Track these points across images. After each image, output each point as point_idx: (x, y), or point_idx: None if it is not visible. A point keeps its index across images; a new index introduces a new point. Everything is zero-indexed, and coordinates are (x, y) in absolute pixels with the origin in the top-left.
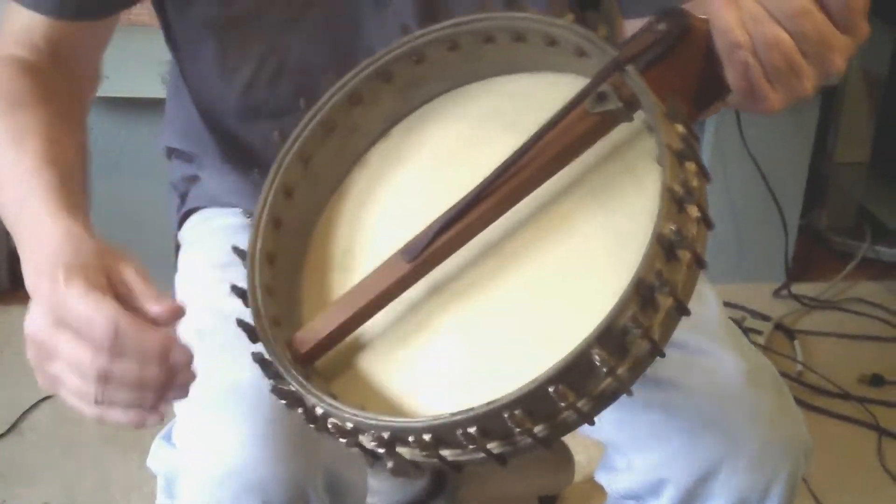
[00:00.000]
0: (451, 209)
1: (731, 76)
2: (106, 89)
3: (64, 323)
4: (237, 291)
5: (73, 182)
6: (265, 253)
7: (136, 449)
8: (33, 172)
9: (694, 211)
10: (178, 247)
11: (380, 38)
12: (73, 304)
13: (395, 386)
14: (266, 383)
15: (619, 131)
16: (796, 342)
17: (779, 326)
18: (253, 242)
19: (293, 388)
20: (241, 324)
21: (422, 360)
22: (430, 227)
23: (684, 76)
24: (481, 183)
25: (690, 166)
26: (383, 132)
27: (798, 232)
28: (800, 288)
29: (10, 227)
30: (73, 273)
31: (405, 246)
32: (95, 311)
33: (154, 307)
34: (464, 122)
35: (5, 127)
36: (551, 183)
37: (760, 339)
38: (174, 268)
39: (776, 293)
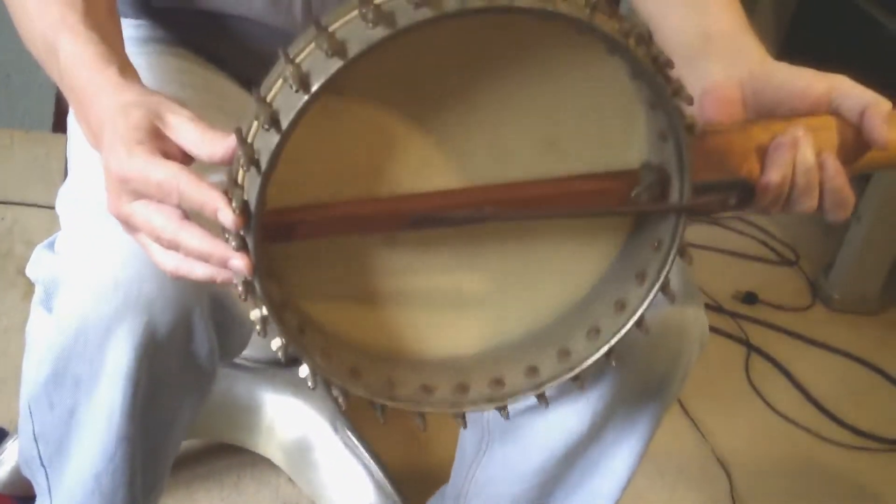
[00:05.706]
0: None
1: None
2: None
3: (133, 193)
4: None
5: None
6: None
7: (17, 285)
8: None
9: None
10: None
11: None
12: (136, 176)
13: None
14: None
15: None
16: None
17: None
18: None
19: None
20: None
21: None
22: (442, 208)
23: None
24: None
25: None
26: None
27: None
28: None
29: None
30: (131, 143)
31: (419, 216)
32: (162, 176)
33: (218, 155)
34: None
35: None
36: None
37: None
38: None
39: None
